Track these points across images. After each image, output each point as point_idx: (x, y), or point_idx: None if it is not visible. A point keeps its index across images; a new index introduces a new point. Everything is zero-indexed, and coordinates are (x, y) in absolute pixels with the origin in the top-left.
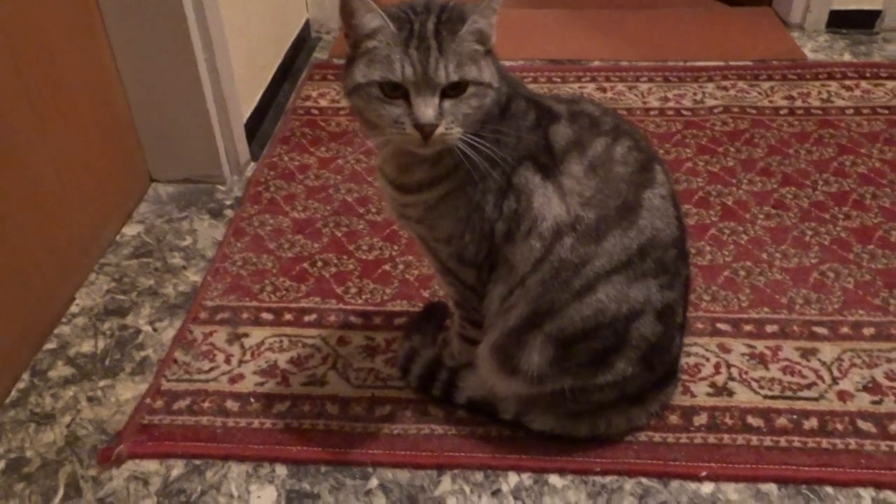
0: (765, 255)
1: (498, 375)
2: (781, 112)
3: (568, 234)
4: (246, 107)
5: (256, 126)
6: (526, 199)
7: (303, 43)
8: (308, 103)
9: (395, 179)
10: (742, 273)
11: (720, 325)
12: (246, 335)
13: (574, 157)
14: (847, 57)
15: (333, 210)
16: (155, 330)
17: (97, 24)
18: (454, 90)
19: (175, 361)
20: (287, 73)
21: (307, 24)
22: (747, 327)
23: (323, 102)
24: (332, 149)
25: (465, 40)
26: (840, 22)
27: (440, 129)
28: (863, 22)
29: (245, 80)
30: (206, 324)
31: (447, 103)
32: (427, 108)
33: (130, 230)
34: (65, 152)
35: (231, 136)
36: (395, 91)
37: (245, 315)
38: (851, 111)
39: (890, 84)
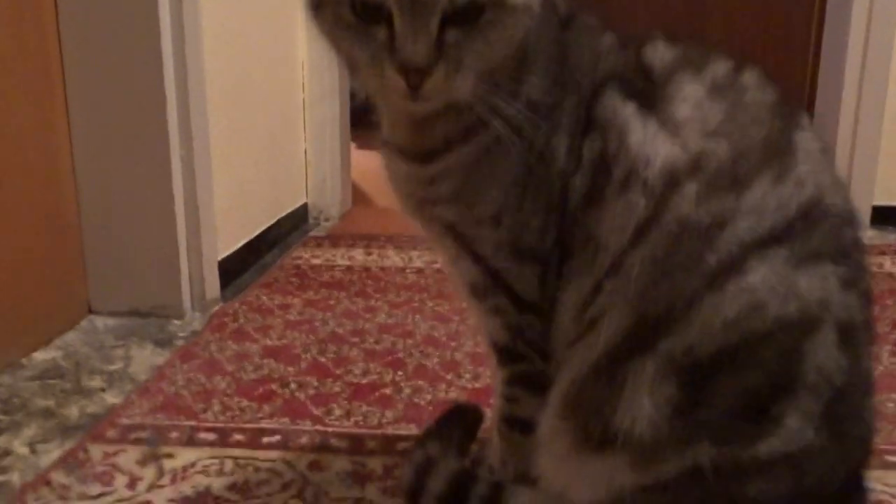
0: None
1: (575, 458)
2: None
3: (689, 180)
4: (224, 245)
5: (233, 270)
6: (617, 137)
7: (299, 223)
8: (298, 261)
9: (411, 145)
10: None
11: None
12: (170, 456)
13: (685, 78)
14: None
15: (318, 339)
16: (33, 451)
17: (59, 110)
18: (462, 15)
19: (48, 483)
20: (276, 241)
21: (304, 207)
22: None
23: (316, 262)
24: (323, 293)
25: None
26: (885, 218)
27: (437, 76)
28: None
29: (227, 215)
30: (112, 443)
31: (450, 35)
32: (416, 43)
33: (44, 355)
34: None
35: (200, 266)
36: (375, 12)
37: (174, 434)
38: None
39: None
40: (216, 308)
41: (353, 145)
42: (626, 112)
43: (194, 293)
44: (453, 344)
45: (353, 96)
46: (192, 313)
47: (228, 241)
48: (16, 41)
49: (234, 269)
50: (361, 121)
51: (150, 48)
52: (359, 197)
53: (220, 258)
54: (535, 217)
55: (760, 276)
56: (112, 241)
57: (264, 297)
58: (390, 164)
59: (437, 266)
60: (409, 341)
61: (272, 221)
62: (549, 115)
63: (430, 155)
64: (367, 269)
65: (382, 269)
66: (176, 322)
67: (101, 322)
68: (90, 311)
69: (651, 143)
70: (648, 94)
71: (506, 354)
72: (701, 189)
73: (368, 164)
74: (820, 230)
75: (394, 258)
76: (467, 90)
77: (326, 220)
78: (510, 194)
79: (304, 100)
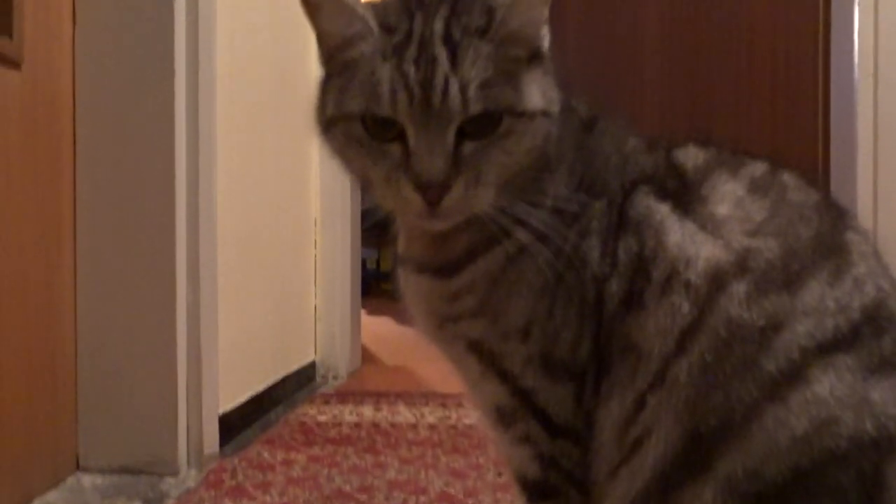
0: None
1: None
2: None
3: (736, 280)
4: (226, 398)
5: (234, 426)
6: (653, 237)
7: (306, 380)
8: (304, 418)
9: (430, 260)
10: None
11: None
12: None
13: (721, 178)
14: None
15: (323, 496)
16: None
17: (66, 251)
18: (479, 127)
19: None
20: (282, 398)
21: (312, 365)
22: None
23: (323, 418)
24: (329, 449)
25: (496, 44)
26: None
27: (455, 191)
28: None
29: (231, 368)
30: None
31: (467, 147)
32: (432, 159)
33: None
34: None
35: (199, 419)
36: (387, 129)
37: None
38: None
39: None
40: (214, 464)
41: (363, 311)
42: (661, 212)
43: (191, 448)
44: (470, 501)
45: (364, 263)
46: (187, 470)
47: (231, 394)
48: (30, 182)
49: (236, 424)
50: (372, 289)
51: (163, 193)
52: (367, 357)
53: (221, 412)
54: (566, 328)
55: (828, 386)
56: (108, 390)
57: (266, 453)
58: (409, 282)
59: (451, 422)
60: (423, 498)
61: (278, 377)
62: (576, 219)
63: (453, 268)
64: (376, 426)
65: (393, 425)
66: (169, 480)
67: (88, 480)
68: (77, 468)
69: (691, 243)
70: (683, 194)
71: (536, 491)
72: (750, 289)
73: (377, 328)
74: (890, 337)
75: (405, 414)
76: (488, 202)
77: (335, 377)
78: (539, 304)
79: (315, 256)
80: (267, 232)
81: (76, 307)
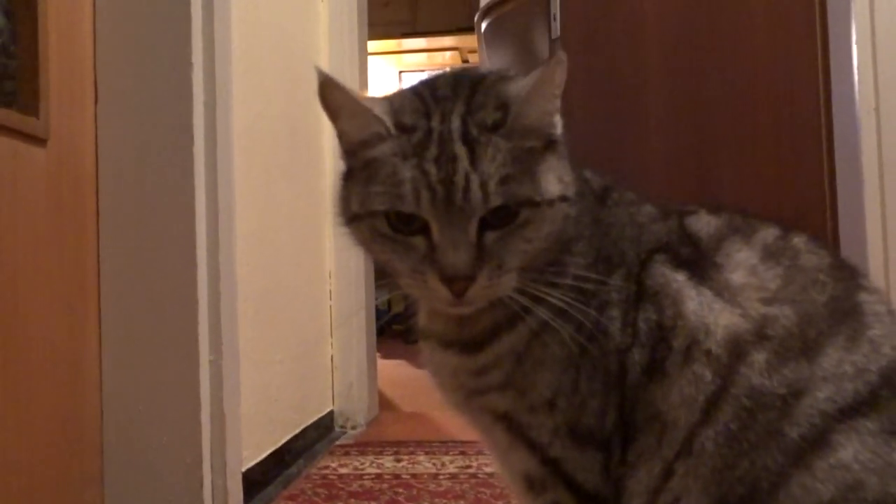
0: None
1: None
2: None
3: (756, 348)
4: (249, 455)
5: (257, 482)
6: (672, 305)
7: (325, 431)
8: (325, 471)
9: (455, 337)
10: None
11: None
12: None
13: (735, 244)
14: None
15: None
16: None
17: (91, 315)
18: (499, 217)
19: None
20: (302, 451)
21: (331, 415)
22: None
23: (344, 471)
24: None
25: (512, 138)
26: None
27: (480, 283)
28: None
29: (252, 424)
30: None
31: (490, 237)
32: (457, 253)
33: None
34: None
35: (224, 477)
36: (410, 224)
37: None
38: None
39: None
40: None
41: (377, 354)
42: (678, 281)
43: None
44: None
45: (378, 313)
46: None
47: (253, 450)
48: (56, 252)
49: (258, 480)
50: (385, 331)
51: (184, 258)
52: (384, 404)
53: (244, 469)
54: (592, 398)
55: (852, 451)
56: (134, 451)
57: None
58: (434, 357)
59: (472, 471)
60: None
61: (298, 430)
62: (595, 292)
63: (477, 345)
64: (397, 477)
65: (414, 475)
66: None
67: None
68: None
69: (709, 311)
70: (698, 262)
71: None
72: (770, 357)
73: (392, 372)
74: None
75: (425, 464)
76: (510, 287)
77: (353, 427)
78: (564, 377)
79: (331, 307)
80: (283, 286)
81: (101, 370)
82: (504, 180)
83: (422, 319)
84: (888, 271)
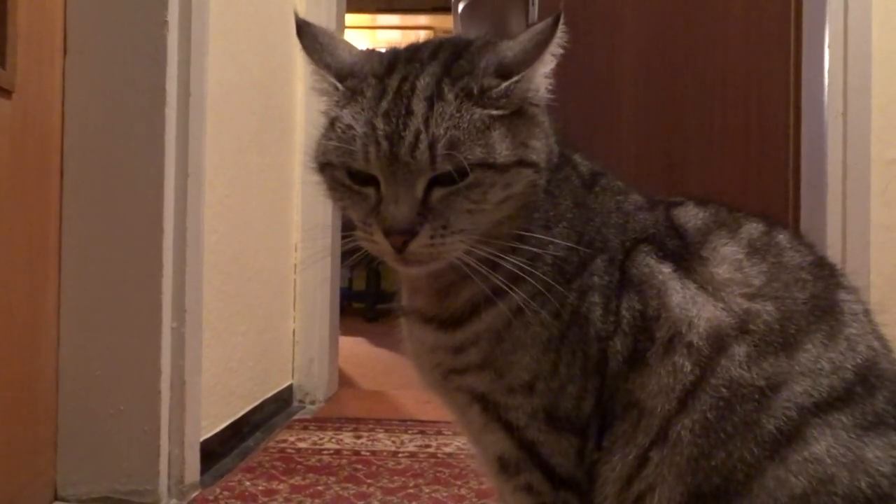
0: None
1: None
2: None
3: (737, 342)
4: (207, 425)
5: (214, 453)
6: (656, 297)
7: (283, 405)
8: (283, 445)
9: (435, 313)
10: None
11: None
12: None
13: (721, 239)
14: None
15: None
16: None
17: (51, 275)
18: (448, 176)
19: None
20: (260, 424)
21: (290, 389)
22: None
23: (302, 445)
24: (311, 478)
25: (497, 105)
26: None
27: (421, 238)
28: None
29: (212, 394)
30: None
31: (436, 195)
32: (399, 207)
33: None
34: None
35: (181, 447)
36: (363, 175)
37: None
38: None
39: None
40: (195, 493)
41: None
42: (663, 273)
43: (172, 477)
44: None
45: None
46: (168, 499)
47: (212, 421)
48: (18, 208)
49: (216, 451)
50: (345, 309)
51: (151, 221)
52: (344, 381)
53: (201, 440)
54: (571, 383)
55: (825, 445)
56: (89, 418)
57: (247, 483)
58: (413, 334)
59: (431, 450)
60: None
61: (257, 402)
62: (577, 275)
63: (457, 321)
64: (356, 453)
65: (373, 452)
66: None
67: None
68: (56, 498)
69: (692, 304)
70: (684, 255)
71: None
72: (750, 351)
73: (352, 350)
74: (881, 395)
75: (384, 441)
76: (458, 250)
77: (312, 402)
78: (544, 359)
79: (295, 280)
80: (250, 257)
81: (59, 335)
82: (454, 144)
83: (404, 296)
84: (845, 270)
